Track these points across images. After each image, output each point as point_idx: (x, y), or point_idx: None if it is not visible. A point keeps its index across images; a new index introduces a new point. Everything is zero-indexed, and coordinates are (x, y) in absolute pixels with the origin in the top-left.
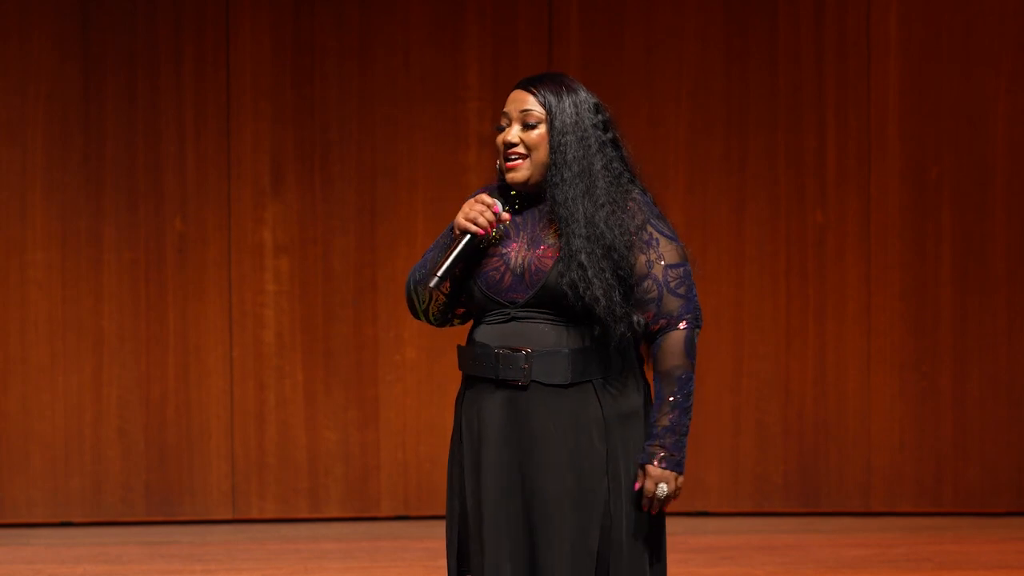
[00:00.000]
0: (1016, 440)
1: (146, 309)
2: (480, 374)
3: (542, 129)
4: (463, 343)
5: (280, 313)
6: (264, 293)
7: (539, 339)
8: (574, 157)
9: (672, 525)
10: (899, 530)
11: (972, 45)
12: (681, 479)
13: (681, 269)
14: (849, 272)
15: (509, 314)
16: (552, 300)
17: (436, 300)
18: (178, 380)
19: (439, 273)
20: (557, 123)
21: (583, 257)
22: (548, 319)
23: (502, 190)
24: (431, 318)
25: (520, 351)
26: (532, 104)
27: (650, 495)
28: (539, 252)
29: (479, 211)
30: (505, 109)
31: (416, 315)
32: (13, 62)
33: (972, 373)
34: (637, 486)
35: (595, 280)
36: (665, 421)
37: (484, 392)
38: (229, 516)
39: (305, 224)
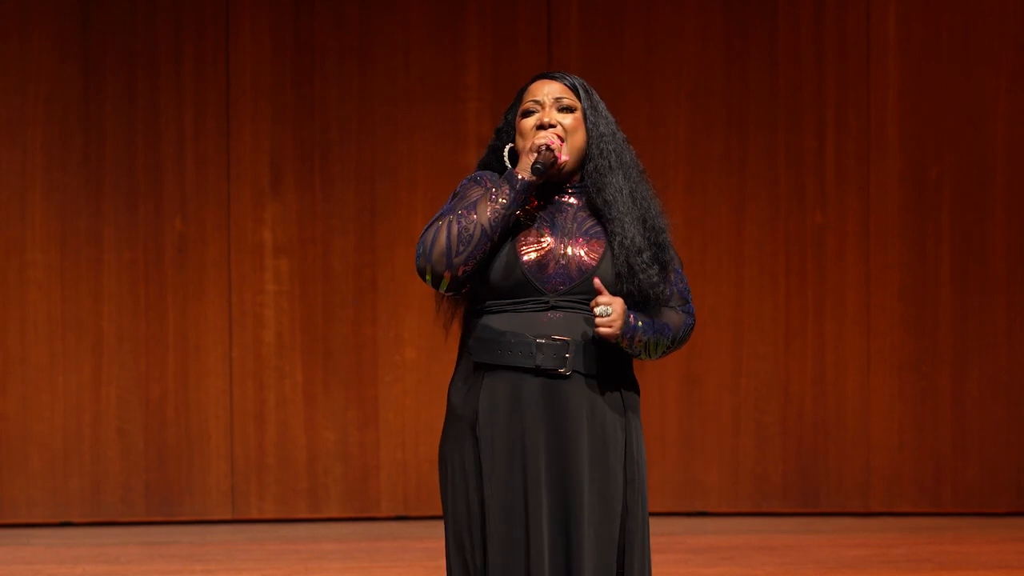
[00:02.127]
0: (1016, 440)
1: (145, 309)
2: (512, 363)
3: (578, 115)
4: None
5: (280, 313)
6: (264, 293)
7: (578, 328)
8: (612, 147)
9: (671, 525)
10: (898, 530)
11: (972, 45)
12: (618, 335)
13: (684, 274)
14: (848, 272)
15: (548, 302)
16: (602, 290)
17: (480, 250)
18: (177, 380)
19: (541, 162)
20: (590, 111)
21: (639, 241)
22: (587, 309)
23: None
24: (456, 276)
25: (561, 340)
26: (564, 91)
27: (595, 305)
28: (584, 241)
29: (550, 135)
30: (535, 98)
31: (438, 272)
32: (13, 62)
33: (971, 373)
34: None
35: (653, 263)
36: (652, 317)
37: (513, 381)
38: (229, 516)
39: (305, 224)
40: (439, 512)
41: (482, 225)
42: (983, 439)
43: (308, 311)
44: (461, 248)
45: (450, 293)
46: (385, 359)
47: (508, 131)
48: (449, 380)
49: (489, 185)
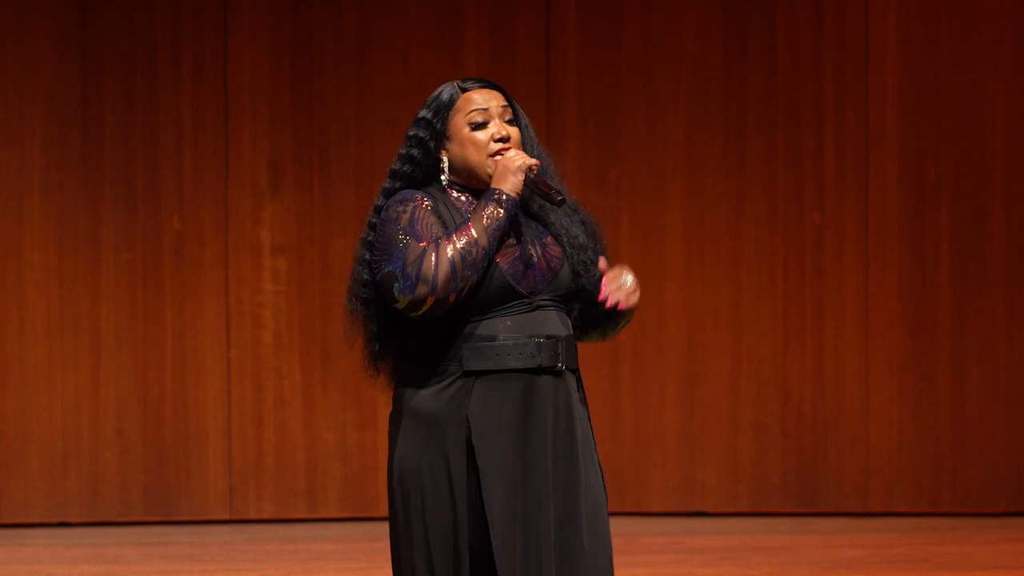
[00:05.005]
0: (1014, 441)
1: (143, 310)
2: (515, 366)
3: (517, 127)
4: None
5: (278, 313)
6: (262, 293)
7: (557, 326)
8: (540, 152)
9: (669, 525)
10: (897, 531)
11: (971, 45)
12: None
13: None
14: (847, 273)
15: (531, 303)
16: (565, 287)
17: (481, 270)
18: (176, 381)
19: (558, 189)
20: (523, 119)
21: (583, 239)
22: (559, 306)
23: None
24: (459, 299)
25: (553, 338)
26: (504, 101)
27: (619, 277)
28: (540, 242)
29: (521, 153)
30: (481, 107)
31: (442, 297)
32: (11, 63)
33: (970, 374)
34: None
35: (597, 257)
36: None
37: (517, 383)
38: (227, 517)
39: (303, 224)
40: None
41: (483, 247)
42: (982, 439)
43: (306, 311)
44: (467, 272)
45: (435, 315)
46: None
47: (437, 139)
48: (399, 386)
49: (425, 204)
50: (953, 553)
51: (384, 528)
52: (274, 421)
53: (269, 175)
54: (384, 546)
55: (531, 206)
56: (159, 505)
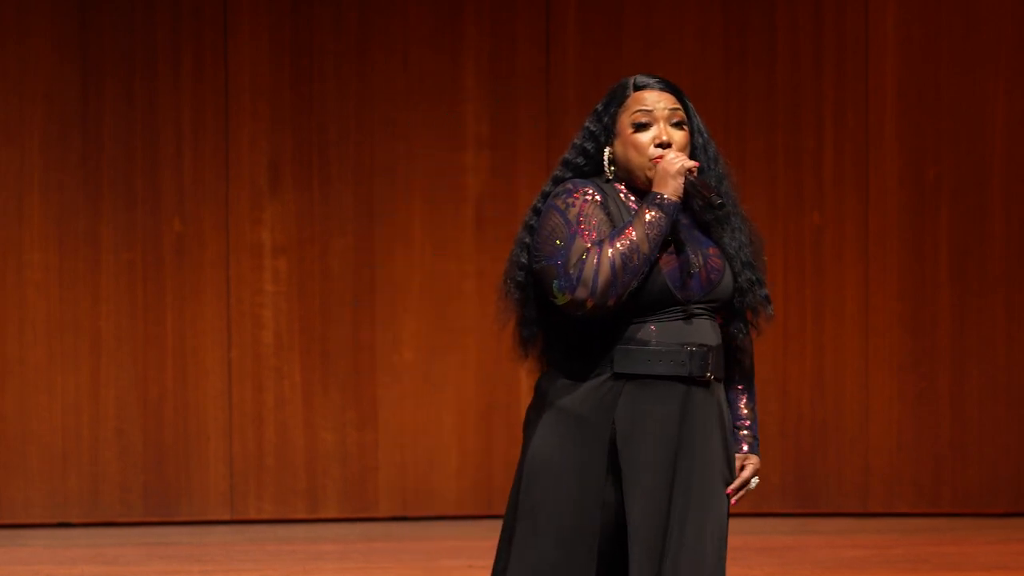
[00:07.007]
0: (1014, 441)
1: (144, 310)
2: (665, 373)
3: (686, 130)
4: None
5: (278, 313)
6: (262, 293)
7: (709, 334)
8: (714, 159)
9: None
10: (897, 531)
11: (971, 45)
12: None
13: None
14: (847, 273)
15: (687, 311)
16: (722, 298)
17: (642, 275)
18: (176, 381)
19: (718, 192)
20: (696, 124)
21: (746, 255)
22: (711, 316)
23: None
24: (618, 303)
25: (704, 347)
26: (676, 105)
27: (750, 485)
28: (703, 250)
29: (683, 158)
30: (647, 108)
31: (602, 302)
32: (11, 63)
33: (970, 374)
34: (750, 474)
35: (762, 280)
36: (753, 414)
37: (665, 391)
38: (227, 517)
39: (303, 224)
40: (437, 512)
41: (645, 253)
42: (982, 440)
43: (306, 312)
44: (627, 278)
45: (595, 317)
46: (383, 360)
47: (606, 134)
48: (545, 378)
49: (595, 198)
50: (953, 553)
51: (382, 528)
52: (274, 421)
53: (269, 175)
54: (383, 546)
55: (704, 216)
56: (159, 505)
